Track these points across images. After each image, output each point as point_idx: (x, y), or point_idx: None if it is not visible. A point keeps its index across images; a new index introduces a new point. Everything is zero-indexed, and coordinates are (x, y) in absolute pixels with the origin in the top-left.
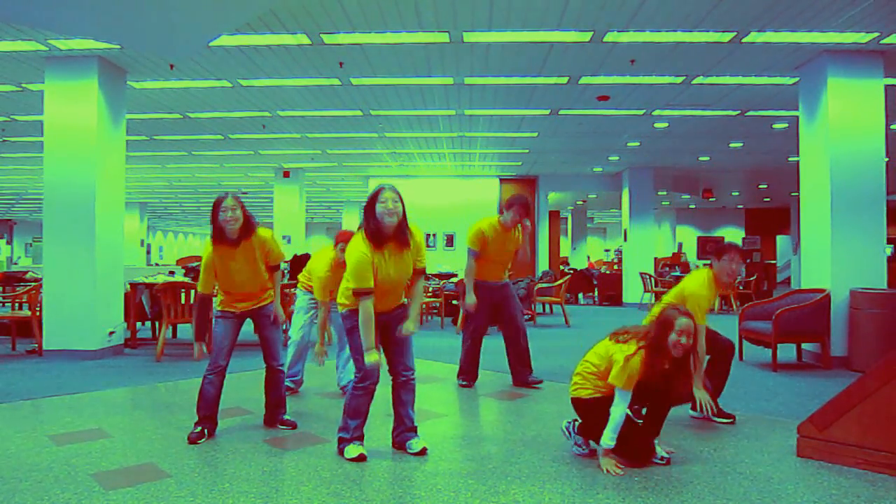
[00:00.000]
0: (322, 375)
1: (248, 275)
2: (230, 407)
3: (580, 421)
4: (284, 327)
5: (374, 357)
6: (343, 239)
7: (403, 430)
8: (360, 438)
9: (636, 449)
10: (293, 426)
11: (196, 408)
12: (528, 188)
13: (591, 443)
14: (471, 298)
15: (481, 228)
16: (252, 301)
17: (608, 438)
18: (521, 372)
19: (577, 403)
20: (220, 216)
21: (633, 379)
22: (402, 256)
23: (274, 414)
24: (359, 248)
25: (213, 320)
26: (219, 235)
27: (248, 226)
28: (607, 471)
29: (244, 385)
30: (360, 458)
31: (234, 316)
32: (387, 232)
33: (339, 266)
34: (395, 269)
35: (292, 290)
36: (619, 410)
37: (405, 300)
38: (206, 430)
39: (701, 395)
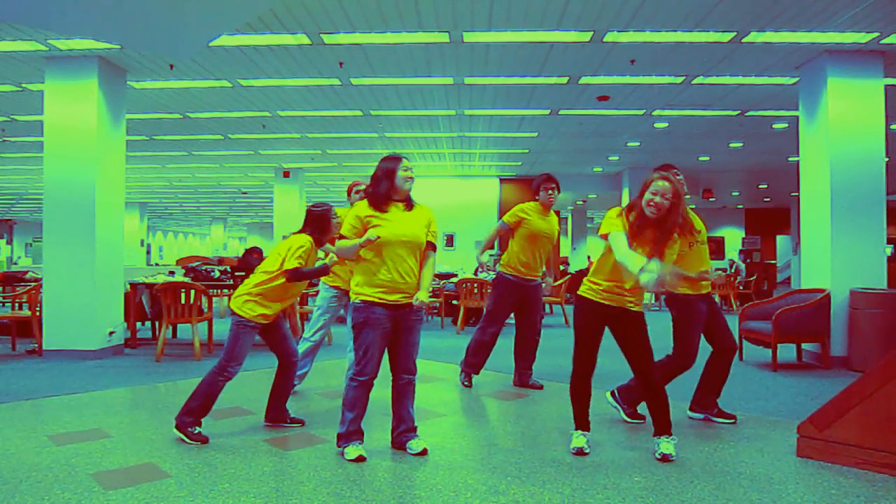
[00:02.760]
0: (323, 375)
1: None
2: (230, 407)
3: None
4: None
5: (374, 232)
6: (356, 184)
7: (403, 430)
8: (360, 437)
9: None
10: (301, 423)
11: (202, 407)
12: (527, 188)
13: (588, 439)
14: (485, 256)
15: (521, 207)
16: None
17: (636, 269)
18: (524, 372)
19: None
20: (334, 221)
21: (612, 224)
22: (413, 216)
23: (280, 411)
24: (352, 211)
25: (239, 330)
26: (320, 242)
27: None
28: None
29: (244, 385)
30: (360, 460)
31: (259, 327)
32: (397, 197)
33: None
34: (407, 225)
35: None
36: (620, 253)
37: (415, 300)
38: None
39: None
